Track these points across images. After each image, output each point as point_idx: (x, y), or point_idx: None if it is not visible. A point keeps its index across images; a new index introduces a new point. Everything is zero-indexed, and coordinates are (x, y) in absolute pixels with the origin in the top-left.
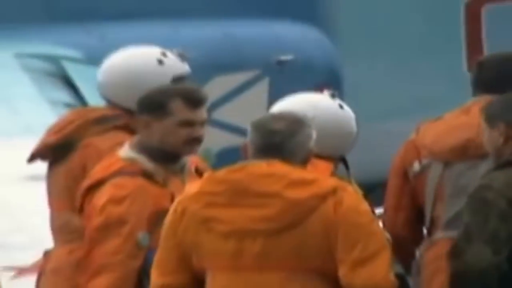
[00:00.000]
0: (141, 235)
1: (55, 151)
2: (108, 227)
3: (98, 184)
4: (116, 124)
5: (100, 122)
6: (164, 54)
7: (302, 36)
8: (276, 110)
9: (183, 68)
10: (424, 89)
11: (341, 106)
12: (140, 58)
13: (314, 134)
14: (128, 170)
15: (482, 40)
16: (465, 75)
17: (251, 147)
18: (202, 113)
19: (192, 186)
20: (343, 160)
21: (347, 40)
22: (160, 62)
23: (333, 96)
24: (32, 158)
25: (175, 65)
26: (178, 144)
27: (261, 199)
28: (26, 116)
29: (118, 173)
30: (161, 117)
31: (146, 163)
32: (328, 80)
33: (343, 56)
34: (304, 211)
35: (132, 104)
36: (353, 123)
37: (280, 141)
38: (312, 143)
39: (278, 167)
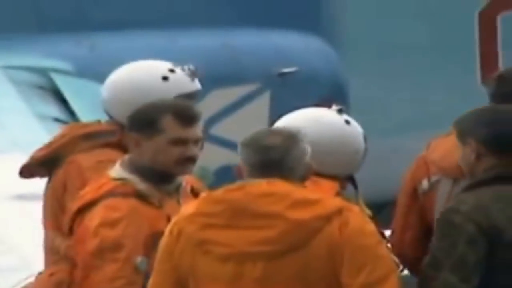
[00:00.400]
0: (139, 260)
1: (43, 167)
2: (103, 252)
3: (88, 206)
4: (109, 141)
5: (90, 138)
6: (172, 70)
7: (305, 47)
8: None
9: (191, 86)
10: (435, 103)
11: (347, 122)
12: (145, 73)
13: (309, 149)
14: (120, 191)
15: (498, 51)
16: (479, 88)
17: (245, 166)
18: (196, 131)
19: (188, 207)
20: (351, 179)
21: (353, 51)
22: (165, 78)
23: (340, 111)
24: (21, 173)
25: (181, 82)
26: (169, 163)
27: (261, 220)
28: (13, 131)
29: (110, 194)
30: (151, 135)
31: (139, 184)
32: (332, 93)
33: (349, 68)
34: (308, 232)
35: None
36: (360, 140)
37: (278, 157)
38: (308, 159)
39: (279, 186)
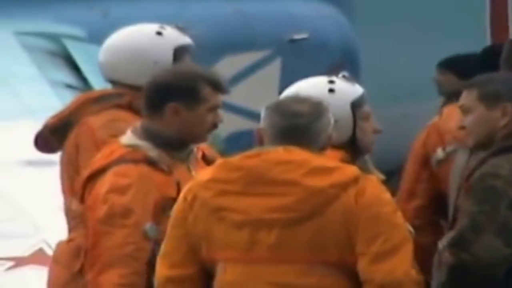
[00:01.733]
0: (148, 226)
1: (56, 134)
2: (113, 218)
3: (98, 173)
4: (119, 103)
5: (99, 101)
6: (162, 27)
7: (316, 14)
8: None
9: (184, 39)
10: None
11: (331, 90)
12: (138, 33)
13: (332, 120)
14: (130, 157)
15: (508, 18)
16: None
17: (270, 130)
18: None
19: (204, 173)
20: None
21: (364, 17)
22: (159, 33)
23: (344, 77)
24: (36, 145)
25: (175, 35)
26: (205, 131)
27: (278, 187)
28: (25, 97)
29: (120, 160)
30: (194, 104)
31: (150, 150)
32: (344, 60)
33: (360, 34)
34: (324, 200)
35: (135, 79)
36: (343, 109)
37: (306, 123)
38: (331, 129)
39: (296, 153)
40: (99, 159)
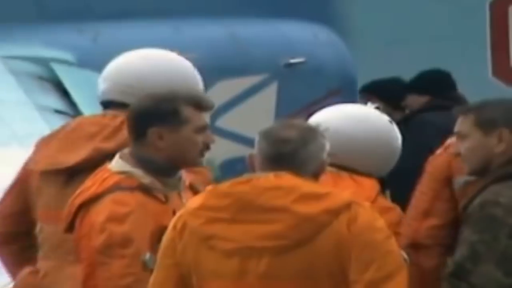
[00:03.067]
0: (147, 256)
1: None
2: (111, 248)
3: (92, 200)
4: None
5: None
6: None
7: (314, 37)
8: (315, 122)
9: None
10: None
11: (390, 122)
12: (144, 60)
13: (327, 145)
14: (126, 184)
15: (509, 44)
16: (490, 82)
17: (259, 157)
18: (207, 117)
19: (194, 200)
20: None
21: (363, 41)
22: None
23: (378, 109)
24: (78, 168)
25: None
26: (195, 153)
27: (267, 214)
28: (12, 123)
29: (115, 188)
30: (176, 127)
31: (144, 177)
32: (341, 85)
33: (358, 59)
34: (315, 227)
35: None
36: (400, 140)
37: (291, 150)
38: (325, 155)
39: (286, 179)
40: (90, 186)
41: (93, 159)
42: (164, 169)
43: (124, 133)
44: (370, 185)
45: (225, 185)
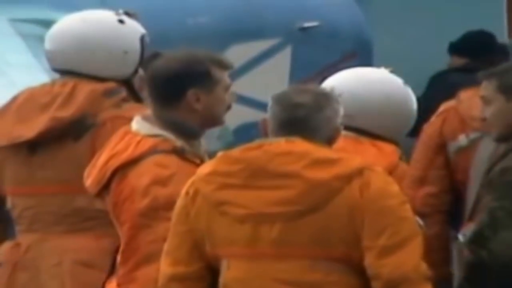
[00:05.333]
0: None
1: (72, 128)
2: (156, 211)
3: (129, 164)
4: (123, 96)
5: (110, 95)
6: (118, 14)
7: (327, 1)
8: (330, 85)
9: (141, 27)
10: None
11: (405, 84)
12: (99, 21)
13: (342, 111)
14: (162, 147)
15: None
16: (506, 44)
17: (271, 122)
18: None
19: (205, 166)
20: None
21: (378, 4)
22: (121, 21)
23: (392, 73)
24: (42, 134)
25: (135, 23)
26: (223, 112)
27: (279, 180)
28: (21, 86)
29: (153, 151)
30: (211, 87)
31: (177, 141)
32: (356, 48)
33: (373, 22)
34: (327, 193)
35: (101, 70)
36: (415, 102)
37: (304, 115)
38: (339, 120)
39: (298, 144)
40: (123, 149)
41: (53, 129)
42: (194, 132)
43: (78, 99)
44: (391, 150)
45: (236, 151)
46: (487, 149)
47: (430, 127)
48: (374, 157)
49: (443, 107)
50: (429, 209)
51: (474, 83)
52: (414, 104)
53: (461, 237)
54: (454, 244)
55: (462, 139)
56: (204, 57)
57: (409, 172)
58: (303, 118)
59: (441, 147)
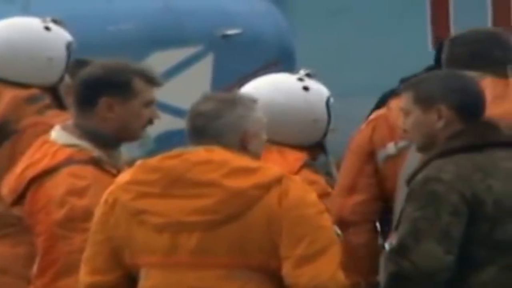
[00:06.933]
0: None
1: None
2: (73, 221)
3: (46, 174)
4: (47, 103)
5: (32, 102)
6: (45, 21)
7: (250, 8)
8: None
9: (68, 34)
10: (385, 67)
11: (306, 88)
12: (25, 28)
13: (253, 115)
14: (79, 158)
15: (449, 14)
16: (430, 53)
17: (186, 131)
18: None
19: (124, 175)
20: (321, 146)
21: (300, 12)
22: (48, 28)
23: (308, 76)
24: None
25: (62, 31)
26: (140, 126)
27: (198, 188)
28: None
29: (70, 161)
30: (127, 98)
31: (94, 150)
32: (279, 56)
33: (296, 29)
34: (246, 202)
35: (26, 77)
36: (320, 107)
37: (203, 124)
38: (249, 125)
39: (217, 153)
40: (40, 159)
41: None
42: (109, 141)
43: (0, 105)
44: (295, 158)
45: (154, 160)
46: (415, 157)
47: (360, 135)
48: (275, 165)
49: (373, 115)
50: (358, 218)
51: None
52: (319, 110)
53: (387, 246)
54: (382, 252)
55: (391, 147)
56: (131, 68)
57: (339, 180)
58: (201, 126)
59: (370, 155)
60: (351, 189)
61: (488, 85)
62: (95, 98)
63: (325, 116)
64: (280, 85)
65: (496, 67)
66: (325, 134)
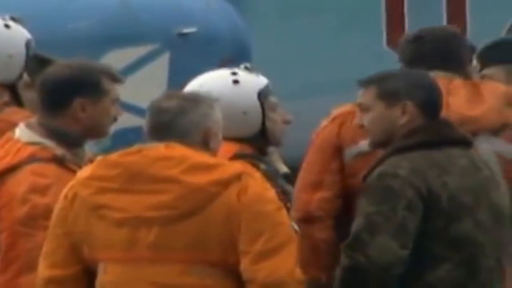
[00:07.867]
0: None
1: None
2: (35, 219)
3: (8, 171)
4: (6, 100)
5: None
6: (4, 19)
7: (206, 6)
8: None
9: (28, 32)
10: (341, 65)
11: (235, 82)
12: None
13: (215, 114)
14: (41, 156)
15: (404, 15)
16: (385, 52)
17: (145, 128)
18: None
19: (84, 170)
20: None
21: (256, 10)
22: (7, 26)
23: (246, 69)
24: None
25: (22, 28)
26: (109, 124)
27: (157, 184)
28: None
29: (32, 159)
30: (97, 98)
31: (56, 149)
32: (235, 54)
33: (252, 28)
34: (204, 198)
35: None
36: (250, 100)
37: (169, 120)
38: (211, 123)
39: (177, 149)
40: (2, 157)
41: None
42: (75, 140)
43: None
44: (225, 150)
45: (115, 155)
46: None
47: (325, 131)
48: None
49: (337, 111)
50: (323, 213)
51: None
52: (249, 102)
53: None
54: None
55: (363, 144)
56: (96, 67)
57: (302, 176)
58: (168, 123)
59: (337, 151)
60: (317, 185)
61: (460, 86)
62: (68, 100)
63: (257, 108)
64: (214, 80)
65: (463, 68)
66: (263, 126)
